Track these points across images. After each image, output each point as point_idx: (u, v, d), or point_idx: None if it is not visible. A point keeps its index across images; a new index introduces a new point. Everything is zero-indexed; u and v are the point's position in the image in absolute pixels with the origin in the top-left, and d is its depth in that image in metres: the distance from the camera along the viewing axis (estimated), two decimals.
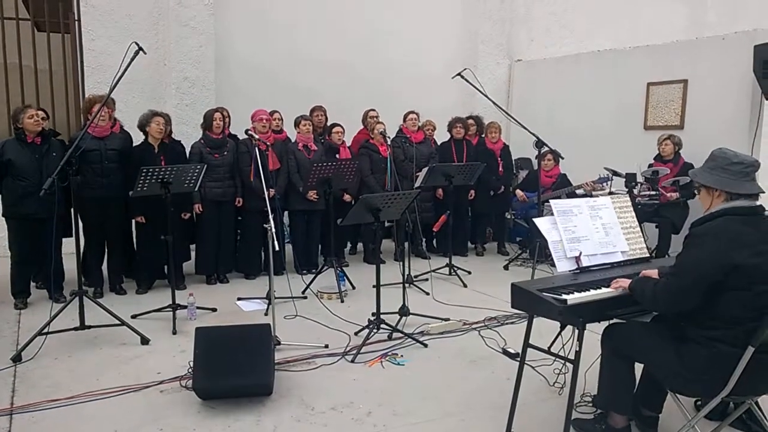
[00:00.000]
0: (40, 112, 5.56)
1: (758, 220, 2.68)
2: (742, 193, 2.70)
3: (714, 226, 2.66)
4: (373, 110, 7.55)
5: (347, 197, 6.91)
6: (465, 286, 6.32)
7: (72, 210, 4.87)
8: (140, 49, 4.52)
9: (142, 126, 5.84)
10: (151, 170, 4.92)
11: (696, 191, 2.95)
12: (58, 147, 5.51)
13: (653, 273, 3.04)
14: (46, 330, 4.42)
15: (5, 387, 3.86)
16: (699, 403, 3.37)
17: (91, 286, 5.77)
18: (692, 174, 2.91)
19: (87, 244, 5.69)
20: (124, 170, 5.69)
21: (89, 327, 4.59)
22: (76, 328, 4.56)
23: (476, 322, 5.09)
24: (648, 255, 3.53)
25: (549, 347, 3.32)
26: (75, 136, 5.49)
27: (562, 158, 7.02)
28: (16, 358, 4.24)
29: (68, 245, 5.47)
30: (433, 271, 6.48)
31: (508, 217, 8.09)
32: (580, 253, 3.26)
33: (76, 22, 7.67)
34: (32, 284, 5.82)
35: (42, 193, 4.25)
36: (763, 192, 2.78)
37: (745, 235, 2.61)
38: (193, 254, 6.47)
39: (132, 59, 4.47)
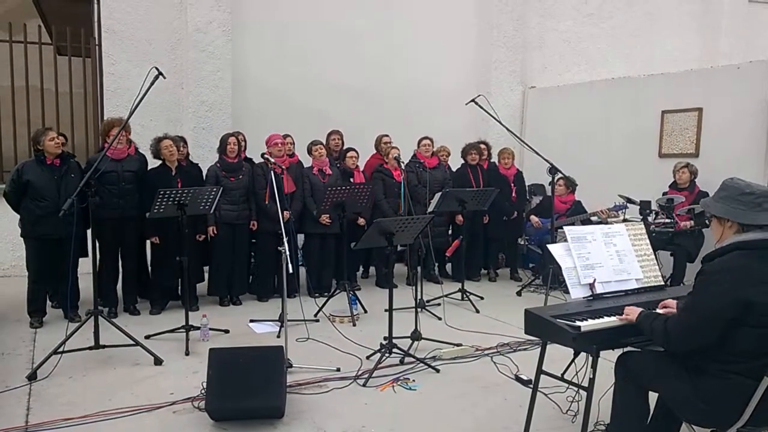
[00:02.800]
0: (60, 137, 5.66)
1: None
2: (754, 224, 2.66)
3: (726, 262, 2.62)
4: (387, 136, 7.62)
5: (361, 221, 6.94)
6: (477, 311, 6.30)
7: (89, 230, 4.93)
8: (160, 73, 4.62)
9: (156, 155, 5.96)
10: (168, 192, 4.98)
11: (708, 221, 2.94)
12: (76, 169, 5.60)
13: (672, 303, 3.02)
14: (61, 349, 4.45)
15: (20, 405, 3.89)
16: None
17: (106, 306, 5.81)
18: (704, 204, 2.90)
19: (102, 265, 5.75)
20: (140, 191, 5.76)
21: (104, 347, 4.63)
22: (90, 348, 4.60)
23: (488, 348, 5.06)
24: (663, 283, 3.51)
25: (562, 374, 3.30)
26: (94, 158, 5.58)
27: (576, 185, 7.02)
28: (32, 377, 4.28)
29: (84, 265, 5.54)
30: (446, 295, 6.45)
31: (521, 242, 8.08)
32: (594, 280, 3.25)
33: (97, 47, 7.84)
34: (48, 303, 5.88)
35: (61, 214, 4.34)
36: None
37: (758, 272, 2.57)
38: (206, 275, 6.51)
39: (152, 84, 4.57)
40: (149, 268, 6.21)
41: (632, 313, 2.93)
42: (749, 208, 2.67)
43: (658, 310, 3.04)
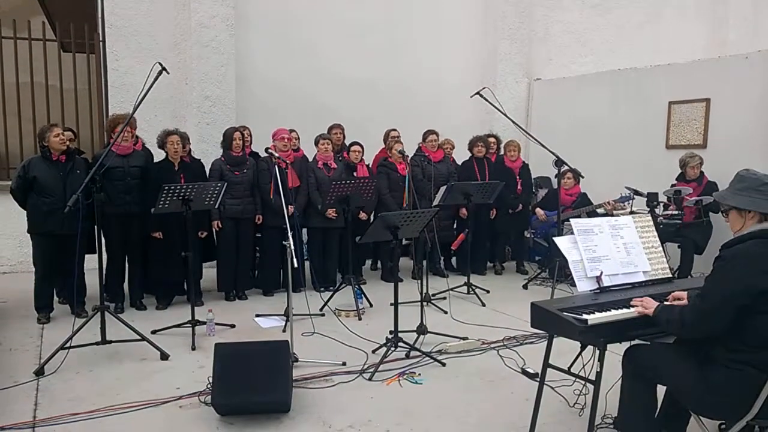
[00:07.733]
0: (68, 133, 5.67)
1: None
2: None
3: (744, 249, 2.62)
4: (395, 130, 7.60)
5: (363, 215, 6.93)
6: (483, 304, 6.28)
7: (95, 226, 4.94)
8: (163, 69, 4.61)
9: (162, 146, 5.97)
10: (172, 187, 4.98)
11: (724, 214, 2.89)
12: (82, 165, 5.61)
13: (683, 295, 3.00)
14: (68, 344, 4.47)
15: (28, 400, 3.90)
16: (723, 426, 3.32)
17: (112, 301, 5.83)
18: (721, 197, 2.85)
19: (109, 260, 5.75)
20: (145, 187, 5.77)
21: (110, 342, 4.64)
22: (97, 343, 4.61)
23: (495, 342, 5.05)
24: (670, 275, 3.49)
25: (569, 367, 3.29)
26: (99, 154, 5.59)
27: (582, 177, 6.99)
28: (39, 372, 4.29)
29: (90, 261, 5.54)
30: (451, 289, 6.45)
31: (528, 235, 8.05)
32: (601, 273, 3.23)
33: (101, 43, 7.83)
34: (55, 299, 5.89)
35: (67, 210, 4.35)
36: None
37: None
38: (210, 272, 6.51)
39: (156, 79, 4.56)
40: (154, 264, 6.21)
41: (650, 307, 2.90)
42: None
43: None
